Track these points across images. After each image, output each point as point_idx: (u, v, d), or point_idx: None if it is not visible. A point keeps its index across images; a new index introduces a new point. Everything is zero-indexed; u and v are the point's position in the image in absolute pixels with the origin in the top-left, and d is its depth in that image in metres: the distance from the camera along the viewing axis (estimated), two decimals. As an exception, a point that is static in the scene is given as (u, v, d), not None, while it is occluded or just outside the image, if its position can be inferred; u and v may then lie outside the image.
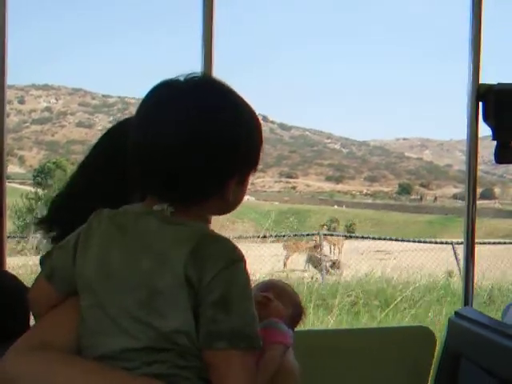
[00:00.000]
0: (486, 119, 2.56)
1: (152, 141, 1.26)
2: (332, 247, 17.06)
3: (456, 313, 2.42)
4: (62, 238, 1.42)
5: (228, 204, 1.33)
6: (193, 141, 1.24)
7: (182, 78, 1.30)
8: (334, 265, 13.13)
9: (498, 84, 2.55)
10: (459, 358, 2.31)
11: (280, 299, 1.68)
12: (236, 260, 1.24)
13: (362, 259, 9.42)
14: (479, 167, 2.68)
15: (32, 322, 1.52)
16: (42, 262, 1.41)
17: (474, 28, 2.56)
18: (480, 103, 2.56)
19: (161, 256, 1.24)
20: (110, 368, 1.25)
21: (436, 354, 2.48)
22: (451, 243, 9.58)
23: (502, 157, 2.58)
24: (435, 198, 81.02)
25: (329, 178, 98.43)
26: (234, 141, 1.27)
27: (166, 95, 1.30)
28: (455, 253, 8.97)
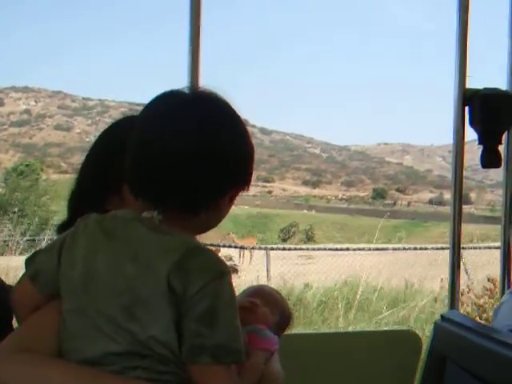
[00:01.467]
0: (472, 124, 2.58)
1: (153, 149, 1.27)
2: (241, 253, 17.20)
3: (442, 316, 2.42)
4: None
5: (215, 219, 1.35)
6: (194, 153, 1.25)
7: (186, 90, 1.33)
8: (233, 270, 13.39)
9: (485, 89, 2.57)
10: (445, 361, 2.31)
11: (267, 305, 1.68)
12: (222, 273, 1.24)
13: (279, 265, 9.31)
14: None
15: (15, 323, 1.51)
16: (26, 264, 1.40)
17: (460, 32, 2.57)
18: (466, 108, 2.58)
19: (145, 264, 1.23)
20: (100, 371, 1.25)
21: (422, 357, 2.48)
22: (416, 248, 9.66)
23: (487, 161, 2.59)
24: (408, 203, 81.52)
25: (305, 183, 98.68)
26: (236, 158, 1.30)
27: (170, 105, 1.31)
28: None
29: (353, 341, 2.70)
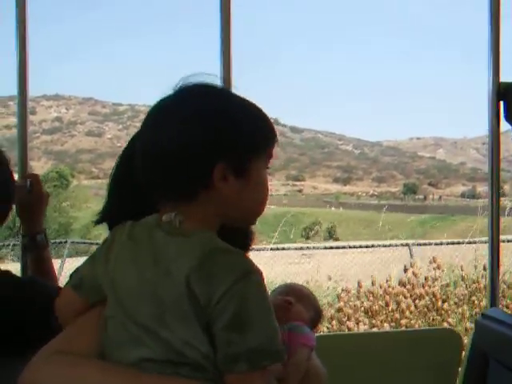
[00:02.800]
0: (507, 118, 2.54)
1: (139, 150, 1.31)
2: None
3: (483, 314, 2.39)
4: None
5: (232, 200, 1.28)
6: (167, 138, 1.26)
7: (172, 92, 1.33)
8: None
9: (519, 82, 2.53)
10: (487, 359, 2.29)
11: (300, 302, 1.68)
12: (248, 272, 1.19)
13: (273, 265, 9.23)
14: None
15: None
16: (71, 276, 1.41)
17: (492, 26, 2.53)
18: (501, 102, 2.54)
19: (165, 270, 1.22)
20: (137, 371, 1.24)
21: (464, 356, 2.46)
22: (407, 245, 9.47)
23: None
24: (440, 197, 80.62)
25: (336, 180, 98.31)
26: (202, 131, 1.26)
27: (155, 111, 1.33)
28: (411, 253, 8.88)
29: (392, 340, 2.68)
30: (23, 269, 2.32)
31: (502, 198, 2.62)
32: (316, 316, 1.73)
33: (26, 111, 2.44)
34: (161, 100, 1.33)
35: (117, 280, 1.29)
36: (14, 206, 2.03)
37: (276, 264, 8.84)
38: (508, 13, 2.55)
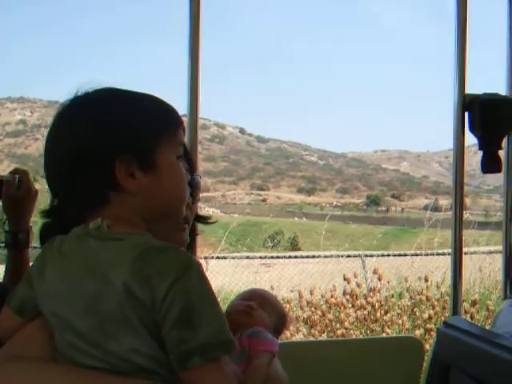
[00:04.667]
0: (471, 129, 2.58)
1: (48, 161, 1.32)
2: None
3: (445, 322, 2.41)
4: None
5: (147, 195, 1.26)
6: (65, 144, 1.28)
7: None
8: None
9: (484, 94, 2.57)
10: (449, 368, 2.30)
11: (263, 308, 1.67)
12: (186, 267, 1.18)
13: (231, 274, 9.22)
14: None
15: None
16: (9, 300, 1.38)
17: (459, 37, 2.57)
18: (466, 113, 2.58)
19: (102, 277, 1.19)
20: (100, 373, 1.21)
21: (425, 364, 2.47)
22: (359, 255, 9.60)
23: (488, 167, 2.59)
24: (402, 210, 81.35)
25: (300, 190, 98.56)
26: (92, 131, 1.26)
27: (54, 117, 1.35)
28: (363, 264, 9.00)
29: (354, 348, 2.68)
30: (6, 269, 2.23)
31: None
32: (280, 322, 1.73)
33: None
34: (59, 108, 1.34)
35: (53, 296, 1.27)
36: None
37: (234, 273, 8.84)
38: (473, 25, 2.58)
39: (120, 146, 1.25)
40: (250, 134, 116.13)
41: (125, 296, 1.17)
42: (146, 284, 1.16)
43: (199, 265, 1.20)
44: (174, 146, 1.32)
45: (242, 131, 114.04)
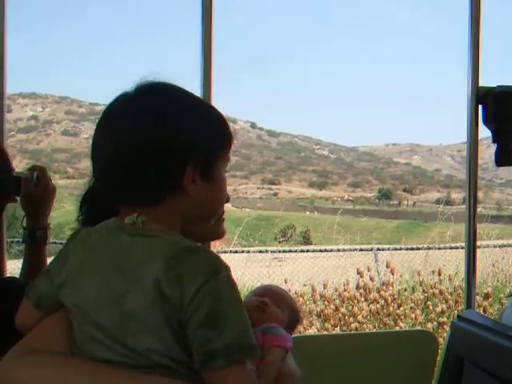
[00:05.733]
0: (485, 122, 2.57)
1: (98, 150, 1.30)
2: None
3: (459, 316, 2.41)
4: None
5: (197, 201, 1.29)
6: (133, 138, 1.25)
7: (131, 89, 1.32)
8: None
9: (498, 86, 2.56)
10: (463, 361, 2.30)
11: (276, 304, 1.68)
12: (216, 270, 1.20)
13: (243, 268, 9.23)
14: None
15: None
16: (28, 291, 1.39)
17: (472, 30, 2.56)
18: (480, 106, 2.57)
19: (132, 275, 1.21)
20: (115, 368, 1.23)
21: (439, 358, 2.47)
22: (372, 249, 9.56)
23: (501, 160, 2.58)
24: (414, 204, 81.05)
25: (312, 184, 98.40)
26: (171, 132, 1.26)
27: (116, 107, 1.32)
28: (376, 258, 8.97)
29: (367, 341, 2.68)
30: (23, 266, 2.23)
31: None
32: (293, 317, 1.74)
33: (2, 110, 2.42)
34: (122, 98, 1.32)
35: (77, 288, 1.28)
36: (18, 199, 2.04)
37: (246, 267, 8.87)
38: (487, 17, 2.57)
39: (194, 151, 1.28)
40: (261, 129, 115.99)
41: (154, 293, 1.18)
42: (177, 283, 1.18)
43: (228, 269, 1.22)
44: (227, 160, 1.37)
45: (253, 125, 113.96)
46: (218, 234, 1.42)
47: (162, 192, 1.26)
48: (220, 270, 1.20)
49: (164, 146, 1.25)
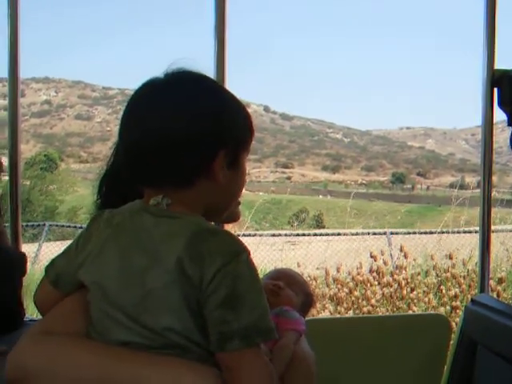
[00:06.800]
0: (500, 105, 2.54)
1: (130, 134, 1.30)
2: None
3: (472, 300, 2.41)
4: None
5: (222, 188, 1.31)
6: (169, 124, 1.26)
7: (162, 75, 1.33)
8: None
9: (514, 69, 2.54)
10: (476, 345, 2.30)
11: (291, 287, 1.69)
12: (237, 252, 1.21)
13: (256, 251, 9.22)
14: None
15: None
16: (46, 270, 1.41)
17: (488, 13, 2.53)
18: (495, 89, 2.55)
19: (153, 253, 1.22)
20: (128, 349, 1.24)
21: (452, 341, 2.47)
22: (385, 233, 9.53)
23: (517, 143, 2.56)
24: (427, 188, 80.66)
25: (325, 168, 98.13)
26: (213, 118, 1.28)
27: (147, 92, 1.33)
28: (389, 242, 8.95)
29: (380, 325, 2.69)
30: None
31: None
32: (307, 301, 1.74)
33: (17, 94, 2.42)
34: (153, 83, 1.33)
35: (97, 266, 1.29)
36: None
37: (259, 250, 8.90)
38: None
39: (227, 139, 1.30)
40: (275, 112, 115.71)
41: (176, 272, 1.20)
42: (198, 262, 1.19)
43: (249, 252, 1.24)
44: (248, 150, 1.39)
45: (266, 109, 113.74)
46: (234, 217, 1.44)
47: (191, 176, 1.27)
48: (241, 253, 1.21)
49: (204, 130, 1.26)
